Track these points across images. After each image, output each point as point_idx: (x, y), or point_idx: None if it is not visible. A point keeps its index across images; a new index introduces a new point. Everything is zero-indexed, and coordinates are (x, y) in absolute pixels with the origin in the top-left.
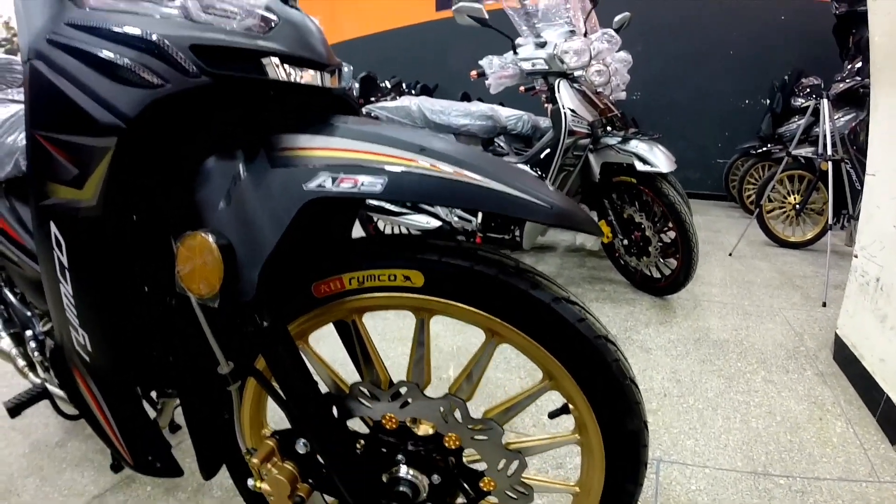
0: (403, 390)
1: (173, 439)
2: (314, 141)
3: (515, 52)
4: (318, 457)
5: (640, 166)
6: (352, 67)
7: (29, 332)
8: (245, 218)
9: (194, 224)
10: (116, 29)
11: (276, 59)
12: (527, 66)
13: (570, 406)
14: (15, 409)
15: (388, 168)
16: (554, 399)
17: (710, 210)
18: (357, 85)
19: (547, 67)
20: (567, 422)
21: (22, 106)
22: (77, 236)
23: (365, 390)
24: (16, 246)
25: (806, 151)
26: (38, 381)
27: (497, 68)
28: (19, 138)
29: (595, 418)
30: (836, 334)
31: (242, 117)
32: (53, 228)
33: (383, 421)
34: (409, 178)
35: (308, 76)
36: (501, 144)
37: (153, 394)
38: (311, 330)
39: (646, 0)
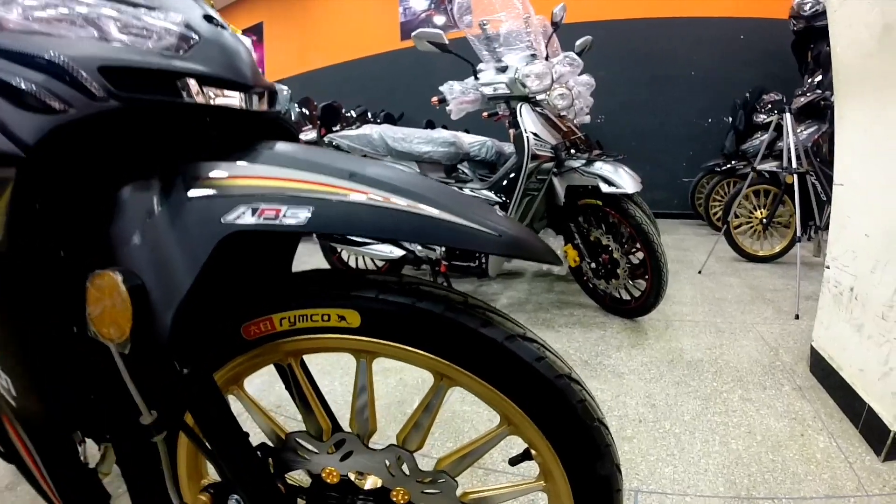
0: (343, 441)
1: (122, 485)
2: (234, 169)
3: (476, 78)
4: None
5: (605, 188)
6: (289, 90)
7: None
8: (159, 255)
9: (106, 262)
10: (24, 51)
11: (192, 81)
12: (488, 90)
13: (533, 452)
14: None
15: (313, 197)
16: (517, 443)
17: (678, 229)
18: (318, 113)
19: (508, 91)
20: (531, 467)
21: None
22: None
23: (301, 442)
24: None
25: (770, 166)
26: None
27: (458, 94)
28: None
29: (561, 464)
30: (812, 346)
31: (159, 144)
32: None
33: (323, 475)
34: (338, 209)
35: (231, 99)
36: (465, 171)
37: (94, 439)
38: (244, 374)
39: (606, 26)
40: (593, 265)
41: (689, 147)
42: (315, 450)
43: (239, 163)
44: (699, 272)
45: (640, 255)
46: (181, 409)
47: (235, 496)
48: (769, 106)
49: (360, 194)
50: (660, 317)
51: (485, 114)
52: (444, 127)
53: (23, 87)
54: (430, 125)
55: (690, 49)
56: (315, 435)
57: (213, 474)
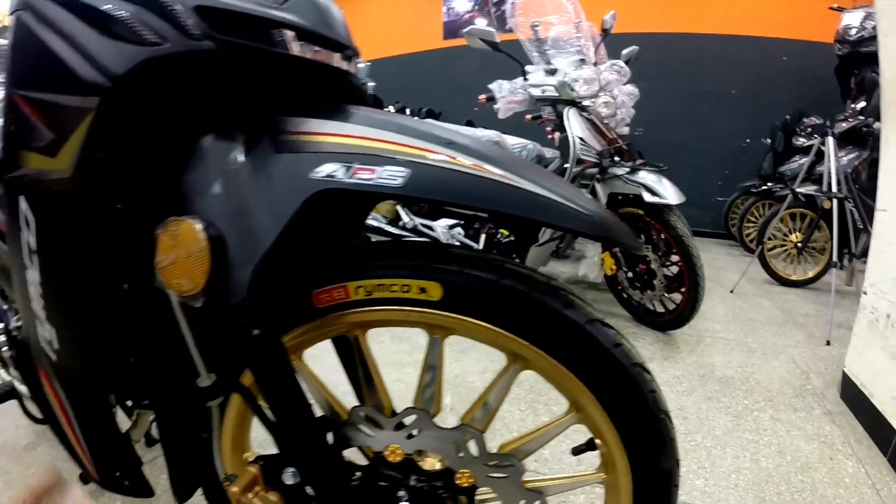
0: (411, 418)
1: (148, 454)
2: (326, 126)
3: (525, 79)
4: (308, 489)
5: (648, 197)
6: (368, 64)
7: (1, 326)
8: (241, 207)
9: (180, 210)
10: None
11: (290, 33)
12: (536, 92)
13: (598, 441)
14: None
15: (410, 160)
16: (576, 433)
17: (710, 248)
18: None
19: (556, 95)
20: (583, 459)
21: None
22: (47, 213)
23: (367, 416)
24: None
25: (809, 189)
26: (7, 378)
27: (506, 93)
28: None
29: (626, 455)
30: (844, 372)
31: (245, 94)
32: (23, 204)
33: (386, 452)
34: (436, 173)
35: (324, 55)
36: None
37: (128, 403)
38: (306, 345)
39: (650, 39)
40: (630, 275)
41: (725, 166)
42: (381, 425)
43: (330, 121)
44: (731, 291)
45: (675, 269)
46: (239, 372)
47: (292, 469)
48: (809, 129)
49: (457, 162)
50: (692, 332)
51: (528, 116)
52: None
53: (117, 15)
54: (470, 125)
55: (732, 67)
56: (380, 411)
57: (256, 447)
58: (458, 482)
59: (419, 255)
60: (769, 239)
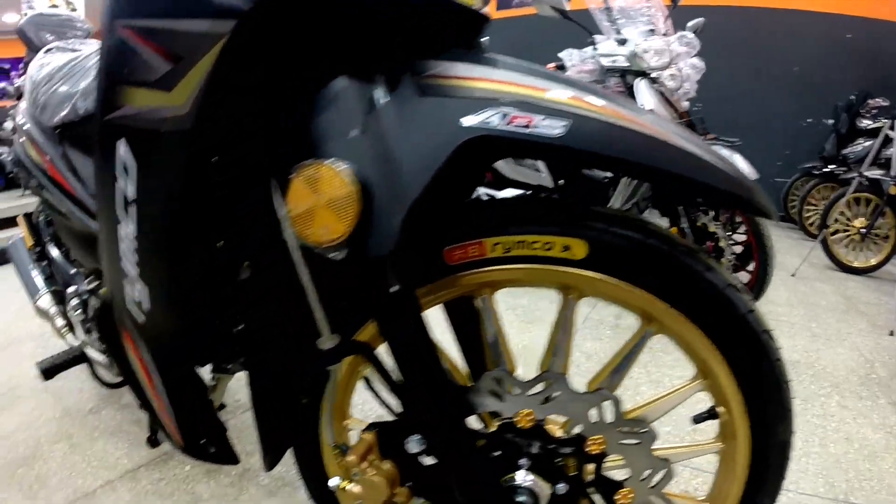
0: (547, 383)
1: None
2: (474, 70)
3: (595, 48)
4: (425, 459)
5: None
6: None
7: (72, 289)
8: (384, 153)
9: (308, 155)
10: None
11: None
12: (606, 62)
13: (720, 410)
14: (49, 372)
15: (569, 111)
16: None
17: (768, 230)
18: None
19: (627, 65)
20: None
21: (79, 54)
22: (152, 156)
23: (499, 380)
24: (65, 195)
25: (875, 174)
26: (76, 343)
27: (577, 61)
28: (79, 83)
29: (748, 423)
30: None
31: (384, 34)
32: (122, 148)
33: (516, 418)
34: (597, 126)
35: None
36: None
37: (207, 368)
38: (429, 305)
39: (711, 11)
40: None
41: (786, 146)
42: (516, 390)
43: (477, 65)
44: (792, 275)
45: (740, 248)
46: (354, 333)
47: (417, 436)
48: (875, 111)
49: (618, 116)
50: None
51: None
52: None
53: None
54: None
55: (794, 43)
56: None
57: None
58: (588, 449)
59: (563, 212)
60: (832, 223)
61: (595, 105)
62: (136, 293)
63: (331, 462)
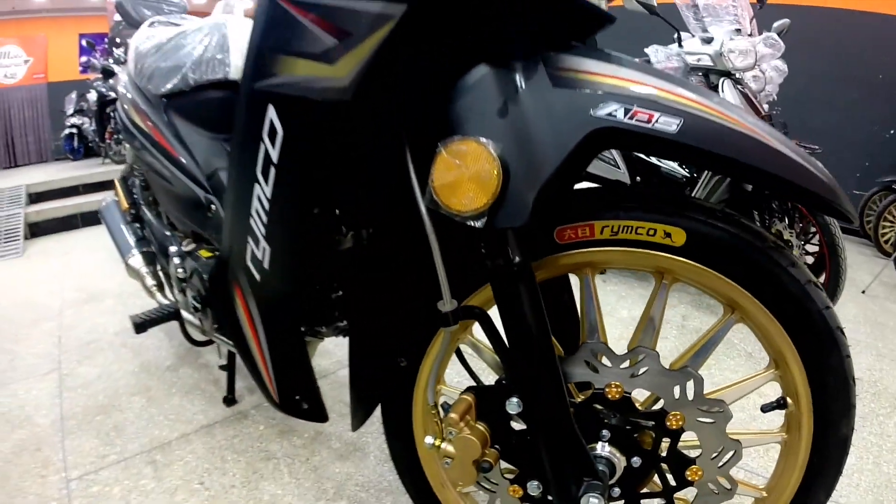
0: (641, 357)
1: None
2: (602, 67)
3: (680, 45)
4: (516, 423)
5: None
6: None
7: (173, 249)
8: (522, 135)
9: (450, 132)
10: None
11: None
12: (692, 60)
13: (789, 401)
14: (142, 326)
15: (685, 109)
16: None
17: (842, 243)
18: None
19: (712, 64)
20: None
21: (184, 28)
22: (303, 123)
23: (595, 352)
24: (169, 160)
25: None
26: (164, 301)
27: (662, 59)
28: (189, 56)
29: (812, 416)
30: None
31: (520, 25)
32: (271, 113)
33: (606, 390)
34: (710, 126)
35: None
36: None
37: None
38: (538, 278)
39: (795, 11)
40: None
41: (865, 158)
42: (609, 363)
43: (603, 62)
44: (863, 292)
45: (811, 258)
46: (468, 294)
47: (516, 399)
48: None
49: (727, 118)
50: None
51: None
52: None
53: None
54: None
55: (881, 50)
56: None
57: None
58: (668, 423)
59: (667, 202)
60: None
61: (708, 106)
62: (259, 252)
63: (419, 423)
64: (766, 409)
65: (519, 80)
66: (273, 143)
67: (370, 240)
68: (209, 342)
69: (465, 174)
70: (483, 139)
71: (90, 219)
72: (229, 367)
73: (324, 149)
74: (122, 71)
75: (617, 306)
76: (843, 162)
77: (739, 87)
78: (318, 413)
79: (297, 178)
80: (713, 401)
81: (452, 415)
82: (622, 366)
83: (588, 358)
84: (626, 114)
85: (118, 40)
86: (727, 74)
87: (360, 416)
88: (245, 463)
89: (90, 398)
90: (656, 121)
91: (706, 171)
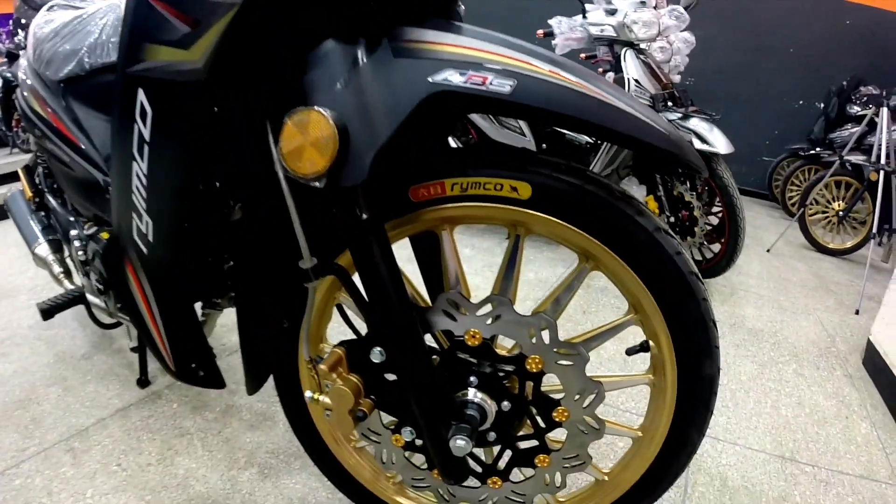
0: (493, 305)
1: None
2: (441, 37)
3: (584, 16)
4: (388, 374)
5: (698, 145)
6: None
7: (74, 233)
8: (361, 103)
9: (299, 103)
10: None
11: None
12: (595, 31)
13: (651, 344)
14: (48, 312)
15: (519, 72)
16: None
17: (751, 206)
18: None
19: (615, 35)
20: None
21: (83, 11)
22: (168, 103)
23: (453, 302)
24: (68, 145)
25: (858, 159)
26: (71, 287)
27: (566, 29)
28: (85, 40)
29: (675, 358)
30: (869, 340)
31: (366, 4)
32: (141, 96)
33: (466, 337)
34: (541, 86)
35: None
36: None
37: (198, 306)
38: (397, 238)
39: None
40: (671, 220)
41: (776, 126)
42: (465, 311)
43: (444, 32)
44: (767, 251)
45: (716, 220)
46: (335, 256)
47: (379, 349)
48: (865, 99)
49: (561, 77)
50: (726, 283)
51: (582, 55)
52: None
53: None
54: None
55: (792, 24)
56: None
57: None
58: (528, 367)
59: (512, 158)
60: (811, 204)
61: (542, 68)
62: (143, 226)
63: (306, 380)
64: (630, 352)
65: (361, 52)
66: (144, 124)
67: (246, 211)
68: (117, 324)
69: (307, 141)
70: (322, 108)
71: None
72: (140, 349)
73: (192, 127)
74: (23, 55)
75: (524, 269)
76: (755, 129)
77: (642, 56)
78: (214, 379)
79: (169, 155)
80: (569, 344)
81: (322, 366)
82: (478, 313)
83: (446, 307)
84: (461, 77)
85: (23, 22)
86: (630, 45)
87: (253, 382)
88: (160, 441)
89: (7, 394)
90: (490, 83)
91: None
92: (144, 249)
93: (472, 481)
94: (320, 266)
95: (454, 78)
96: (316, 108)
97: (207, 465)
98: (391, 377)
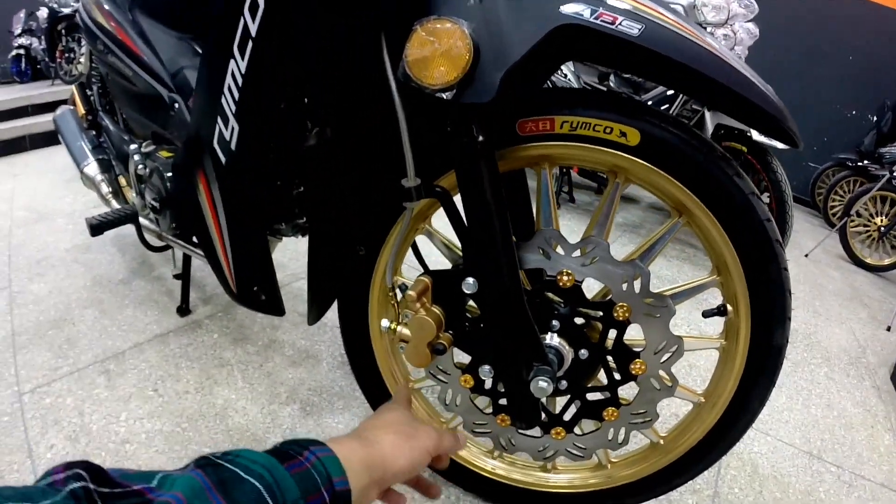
0: (592, 247)
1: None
2: None
3: None
4: (478, 303)
5: (756, 136)
6: None
7: (133, 147)
8: (494, 21)
9: (424, 14)
10: None
11: None
12: None
13: (729, 308)
14: (98, 228)
15: (647, 17)
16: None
17: (791, 201)
18: None
19: (685, 15)
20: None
21: None
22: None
23: (549, 239)
24: (133, 59)
25: None
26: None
27: None
28: None
29: (750, 324)
30: None
31: None
32: None
33: (558, 277)
34: (667, 33)
35: None
36: (611, 83)
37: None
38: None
39: None
40: None
41: (825, 133)
42: (562, 251)
43: None
44: (805, 255)
45: None
46: (435, 178)
47: (472, 279)
48: None
49: (686, 30)
50: None
51: None
52: None
53: None
54: None
55: (855, 33)
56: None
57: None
58: (615, 314)
59: (624, 103)
60: (854, 216)
61: (671, 18)
62: (227, 132)
63: (374, 312)
64: (707, 314)
65: None
66: (254, 18)
67: (336, 132)
68: (165, 247)
69: (438, 50)
70: (458, 19)
71: (39, 140)
72: (184, 276)
73: (300, 28)
74: None
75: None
76: (803, 134)
77: (717, 39)
78: (274, 305)
79: (273, 55)
80: (658, 295)
81: (410, 292)
82: (574, 254)
83: (542, 245)
84: (591, 14)
85: None
86: (698, 27)
87: (316, 311)
88: (199, 370)
89: (42, 314)
90: (620, 24)
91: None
92: (224, 158)
93: (534, 430)
94: (422, 186)
95: (585, 12)
96: (452, 17)
97: (247, 398)
98: (473, 314)
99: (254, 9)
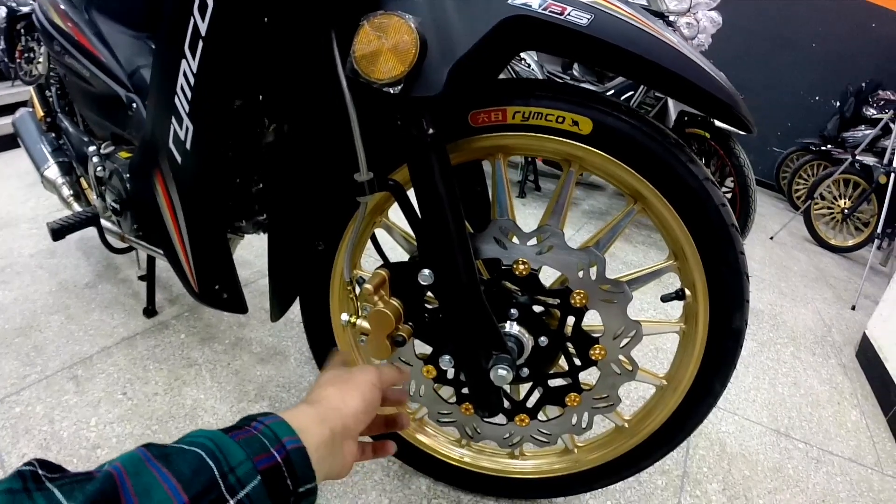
0: (547, 235)
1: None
2: None
3: None
4: (435, 294)
5: (719, 122)
6: None
7: (92, 149)
8: (441, 14)
9: (372, 9)
10: None
11: None
12: None
13: (687, 292)
14: (59, 232)
15: (596, 7)
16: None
17: (755, 186)
18: None
19: (646, 4)
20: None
21: None
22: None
23: (504, 229)
24: (90, 60)
25: (869, 160)
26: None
27: None
28: None
29: (708, 308)
30: (865, 334)
31: None
32: None
33: (514, 266)
34: (617, 23)
35: None
36: (575, 72)
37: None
38: (453, 161)
39: None
40: None
41: (789, 118)
42: (517, 240)
43: None
44: (771, 238)
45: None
46: (389, 172)
47: (428, 270)
48: (882, 102)
49: (638, 20)
50: None
51: None
52: None
53: None
54: None
55: (819, 20)
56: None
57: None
58: (572, 301)
59: (576, 93)
60: (818, 198)
61: (622, 8)
62: (182, 132)
63: (336, 307)
64: (665, 298)
65: None
66: (203, 17)
67: (291, 129)
68: (128, 249)
69: (385, 45)
70: (402, 14)
71: None
72: (149, 278)
73: (250, 27)
74: None
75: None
76: (768, 120)
77: (670, 29)
78: (237, 303)
79: (224, 53)
80: (615, 282)
81: (367, 286)
82: (529, 243)
83: (497, 235)
84: (540, 5)
85: None
86: (660, 16)
87: (278, 307)
88: (167, 371)
89: (7, 321)
90: (568, 14)
91: None
92: (179, 158)
93: (498, 418)
94: (375, 180)
95: (533, 3)
96: (396, 11)
97: (216, 397)
98: (432, 305)
99: (203, 8)
